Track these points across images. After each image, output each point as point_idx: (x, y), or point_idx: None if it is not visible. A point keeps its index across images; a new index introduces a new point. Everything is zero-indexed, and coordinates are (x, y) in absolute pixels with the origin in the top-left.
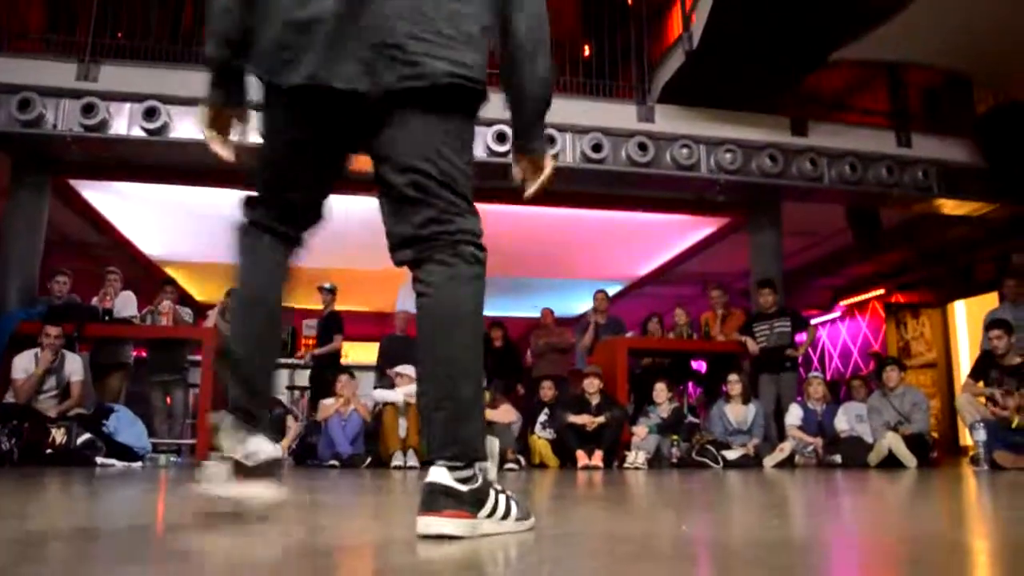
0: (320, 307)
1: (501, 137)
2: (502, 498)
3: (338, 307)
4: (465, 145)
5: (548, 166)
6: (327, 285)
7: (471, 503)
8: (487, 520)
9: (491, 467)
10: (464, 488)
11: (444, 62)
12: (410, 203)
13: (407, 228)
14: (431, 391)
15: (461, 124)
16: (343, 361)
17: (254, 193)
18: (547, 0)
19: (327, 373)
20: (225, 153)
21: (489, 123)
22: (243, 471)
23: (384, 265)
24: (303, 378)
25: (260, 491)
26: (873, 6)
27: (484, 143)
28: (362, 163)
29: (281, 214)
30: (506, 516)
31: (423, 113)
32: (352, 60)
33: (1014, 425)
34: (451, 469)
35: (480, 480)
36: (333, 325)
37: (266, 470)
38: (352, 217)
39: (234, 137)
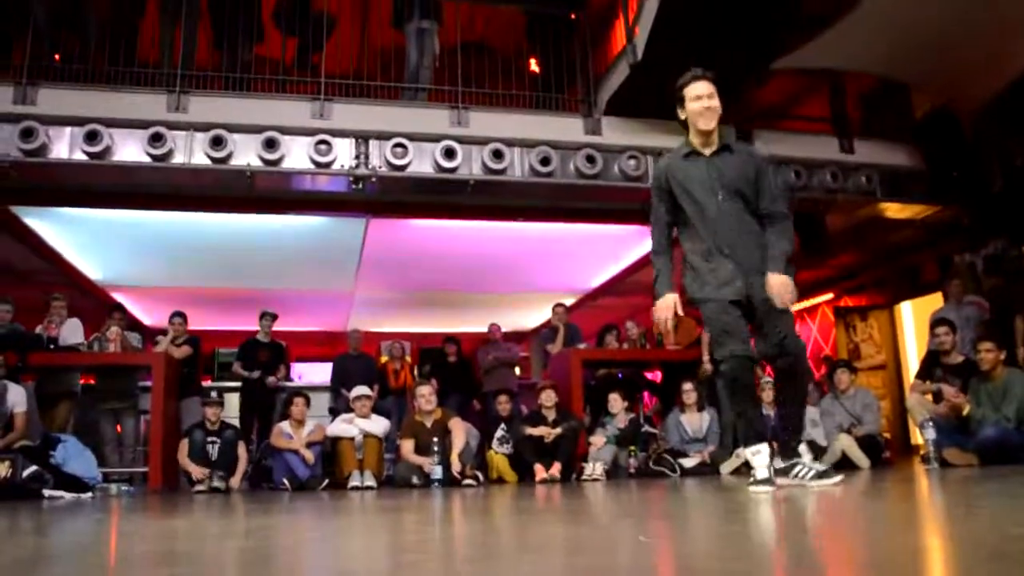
0: (252, 330)
1: (449, 153)
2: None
3: (287, 327)
4: None
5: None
6: (271, 311)
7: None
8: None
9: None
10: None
11: None
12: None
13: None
14: None
15: None
16: (297, 383)
17: None
18: (494, 18)
19: (272, 397)
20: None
21: (437, 139)
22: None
23: (334, 286)
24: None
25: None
26: (810, 15)
27: (433, 159)
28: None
29: None
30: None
31: None
32: None
33: (965, 412)
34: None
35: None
36: (282, 354)
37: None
38: (301, 236)
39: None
